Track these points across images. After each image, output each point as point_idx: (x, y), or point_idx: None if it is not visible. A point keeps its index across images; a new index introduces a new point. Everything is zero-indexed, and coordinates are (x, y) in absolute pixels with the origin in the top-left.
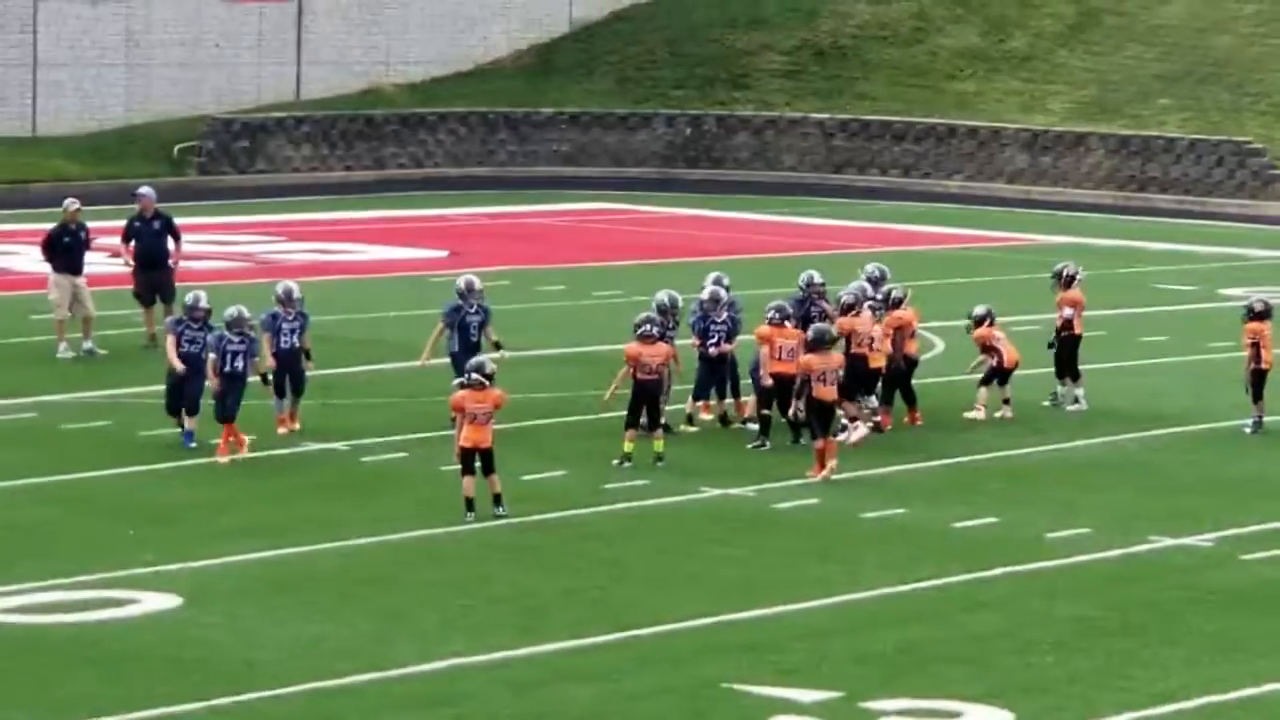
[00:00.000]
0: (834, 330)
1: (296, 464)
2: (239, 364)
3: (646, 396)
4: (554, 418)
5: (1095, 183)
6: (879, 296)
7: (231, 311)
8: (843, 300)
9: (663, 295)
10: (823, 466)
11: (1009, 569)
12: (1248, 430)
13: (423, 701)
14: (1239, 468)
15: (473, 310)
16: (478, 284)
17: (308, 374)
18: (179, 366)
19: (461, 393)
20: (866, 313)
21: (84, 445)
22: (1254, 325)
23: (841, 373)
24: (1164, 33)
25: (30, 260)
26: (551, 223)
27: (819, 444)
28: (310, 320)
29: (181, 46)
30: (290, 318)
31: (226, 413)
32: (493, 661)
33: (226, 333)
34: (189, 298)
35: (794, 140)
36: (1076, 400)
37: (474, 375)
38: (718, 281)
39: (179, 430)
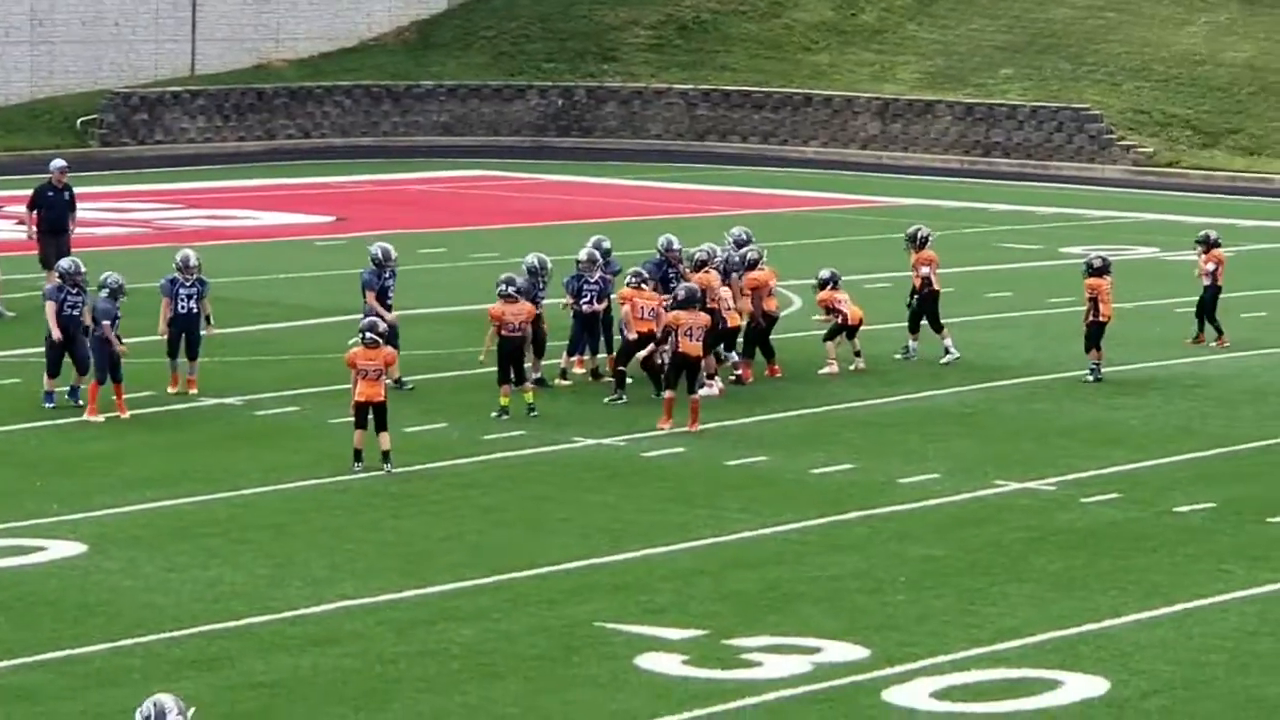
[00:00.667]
0: (698, 291)
1: (193, 418)
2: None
3: (513, 352)
4: (435, 373)
5: (943, 148)
6: (737, 258)
7: (180, 256)
8: (695, 258)
9: (532, 258)
10: (669, 418)
11: (864, 513)
12: (1089, 379)
13: (313, 641)
14: (1079, 416)
15: (389, 276)
16: (394, 252)
17: (206, 336)
18: (57, 335)
19: (355, 350)
20: (714, 273)
21: None
22: (1093, 280)
23: (704, 331)
24: (1006, 6)
25: None
26: (432, 189)
27: (669, 395)
28: (209, 286)
29: (83, 25)
30: (188, 284)
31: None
32: (379, 603)
33: (178, 276)
34: (66, 263)
35: (659, 110)
36: (948, 351)
37: (367, 335)
38: (597, 245)
39: (61, 391)
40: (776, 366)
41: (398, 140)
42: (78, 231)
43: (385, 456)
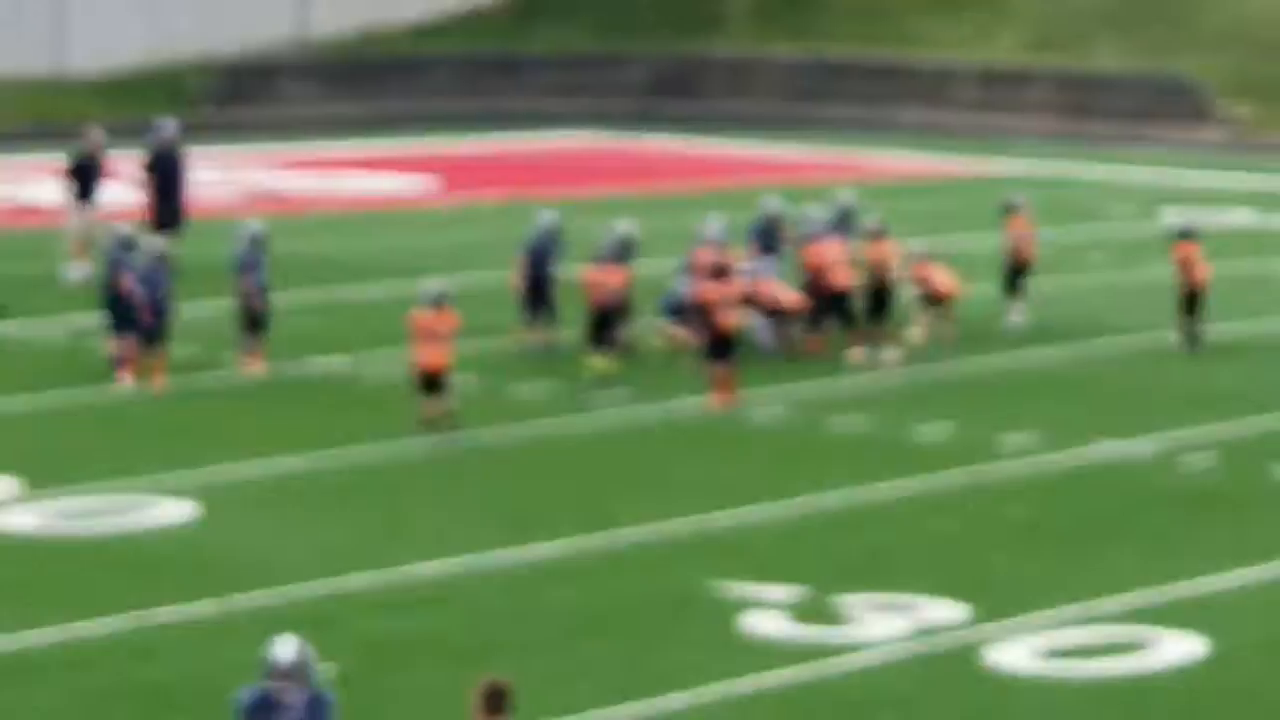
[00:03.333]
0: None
1: (303, 381)
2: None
3: (606, 317)
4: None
5: (1041, 113)
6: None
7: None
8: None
9: (623, 227)
10: (729, 391)
11: (963, 474)
12: (1182, 344)
13: (422, 600)
14: (1178, 379)
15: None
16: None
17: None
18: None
19: (422, 314)
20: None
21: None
22: (1183, 246)
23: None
24: None
25: (54, 191)
26: (539, 154)
27: (719, 368)
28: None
29: None
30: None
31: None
32: (486, 563)
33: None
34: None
35: (763, 76)
36: (1017, 316)
37: (437, 298)
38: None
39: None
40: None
41: (504, 105)
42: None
43: (450, 417)
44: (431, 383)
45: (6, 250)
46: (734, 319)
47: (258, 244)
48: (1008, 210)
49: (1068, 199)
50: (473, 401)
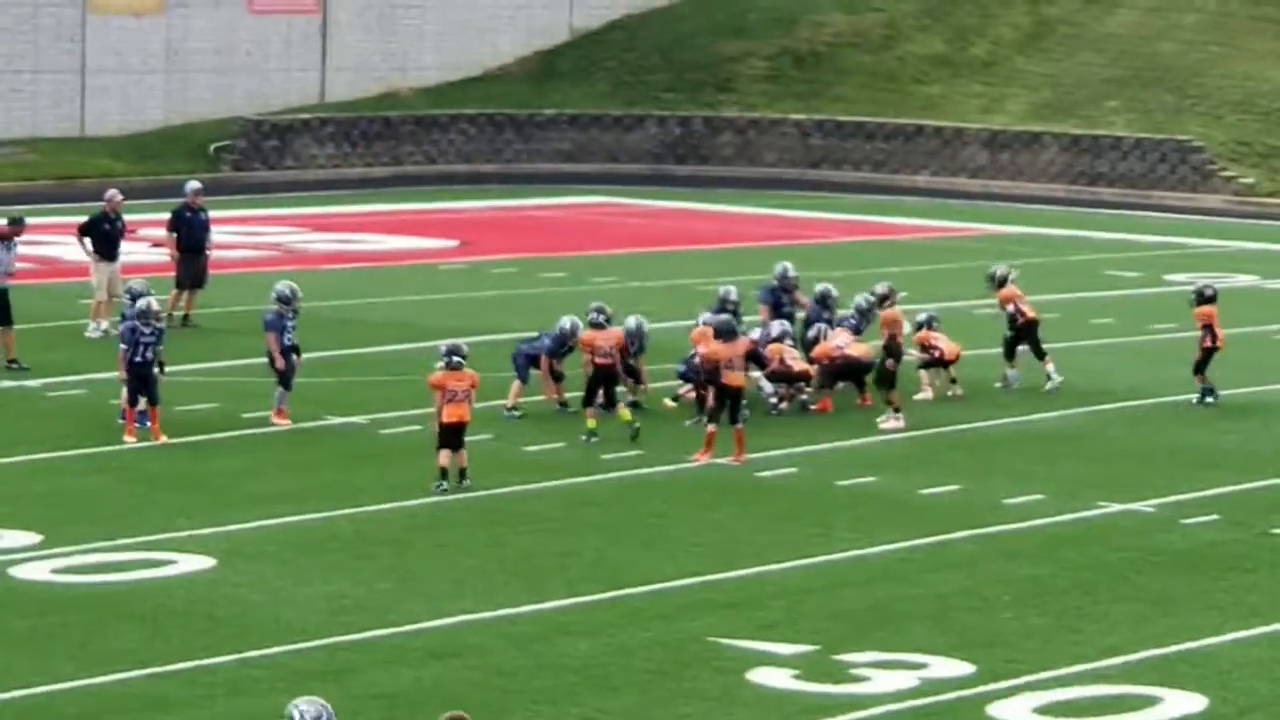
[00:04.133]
0: (735, 321)
1: (319, 436)
2: (148, 354)
3: (604, 378)
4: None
5: (1049, 178)
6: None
7: (142, 304)
8: (879, 293)
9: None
10: (709, 450)
11: (970, 533)
12: (1204, 402)
13: (434, 654)
14: (1181, 439)
15: (290, 316)
16: (299, 291)
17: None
18: (121, 374)
19: (441, 373)
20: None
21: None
22: (1206, 309)
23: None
24: (1113, 40)
25: (77, 250)
26: (554, 215)
27: (711, 428)
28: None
29: (216, 54)
30: (148, 332)
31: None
32: (498, 618)
33: (137, 323)
34: (144, 303)
35: (774, 139)
36: (1050, 378)
37: (453, 358)
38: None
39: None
40: (867, 396)
41: (520, 167)
42: (212, 255)
43: (462, 474)
44: (452, 437)
45: (30, 307)
46: (739, 379)
47: (286, 302)
48: (993, 281)
49: (1075, 262)
50: (487, 458)
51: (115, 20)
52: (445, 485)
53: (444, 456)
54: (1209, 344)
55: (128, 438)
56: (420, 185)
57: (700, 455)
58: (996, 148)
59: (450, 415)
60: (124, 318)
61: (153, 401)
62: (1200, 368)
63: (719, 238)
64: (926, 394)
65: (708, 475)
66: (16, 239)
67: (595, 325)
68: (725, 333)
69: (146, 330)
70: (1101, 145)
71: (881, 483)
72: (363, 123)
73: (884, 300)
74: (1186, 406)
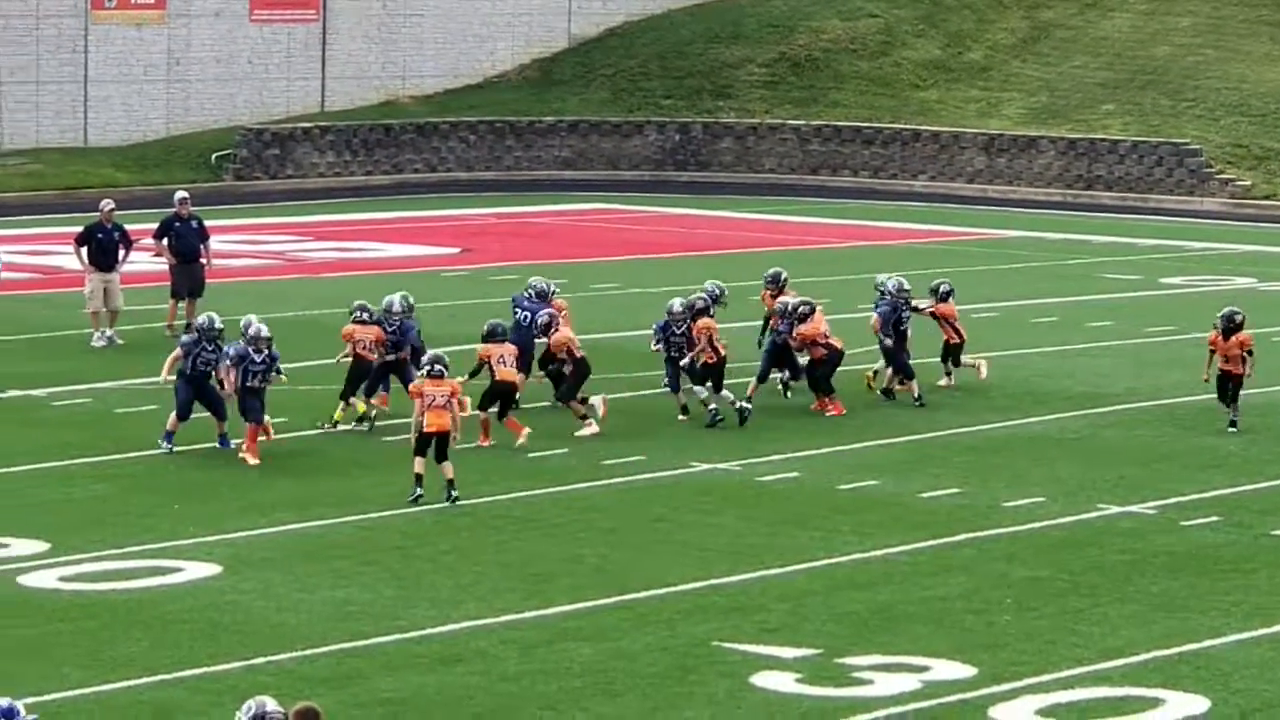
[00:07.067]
0: (503, 326)
1: (322, 444)
2: (258, 380)
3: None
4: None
5: (1046, 181)
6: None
7: (253, 330)
8: (695, 306)
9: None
10: (486, 436)
11: (971, 535)
12: (1232, 430)
13: (439, 659)
14: (1179, 441)
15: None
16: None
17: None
18: (166, 377)
19: (421, 381)
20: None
21: (134, 428)
22: (1243, 336)
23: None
24: (1108, 44)
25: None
26: (554, 222)
27: (484, 416)
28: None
29: (217, 64)
30: (259, 360)
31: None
32: (502, 623)
33: (249, 349)
34: (203, 319)
35: (773, 145)
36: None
37: (435, 367)
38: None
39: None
40: (838, 402)
41: (520, 174)
42: (213, 263)
43: (451, 485)
44: (434, 447)
45: (34, 317)
46: (510, 374)
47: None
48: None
49: (1072, 265)
50: (490, 464)
51: (117, 30)
52: (421, 493)
53: (419, 464)
54: (1242, 371)
55: (251, 459)
56: (421, 193)
57: (482, 440)
58: (994, 152)
59: (432, 424)
60: (201, 340)
61: (257, 421)
62: (1236, 395)
63: (719, 243)
64: (984, 366)
65: (710, 480)
66: None
67: (359, 321)
68: (490, 335)
69: (258, 358)
70: (1098, 149)
71: (883, 486)
72: (363, 131)
73: (945, 298)
74: (1183, 409)
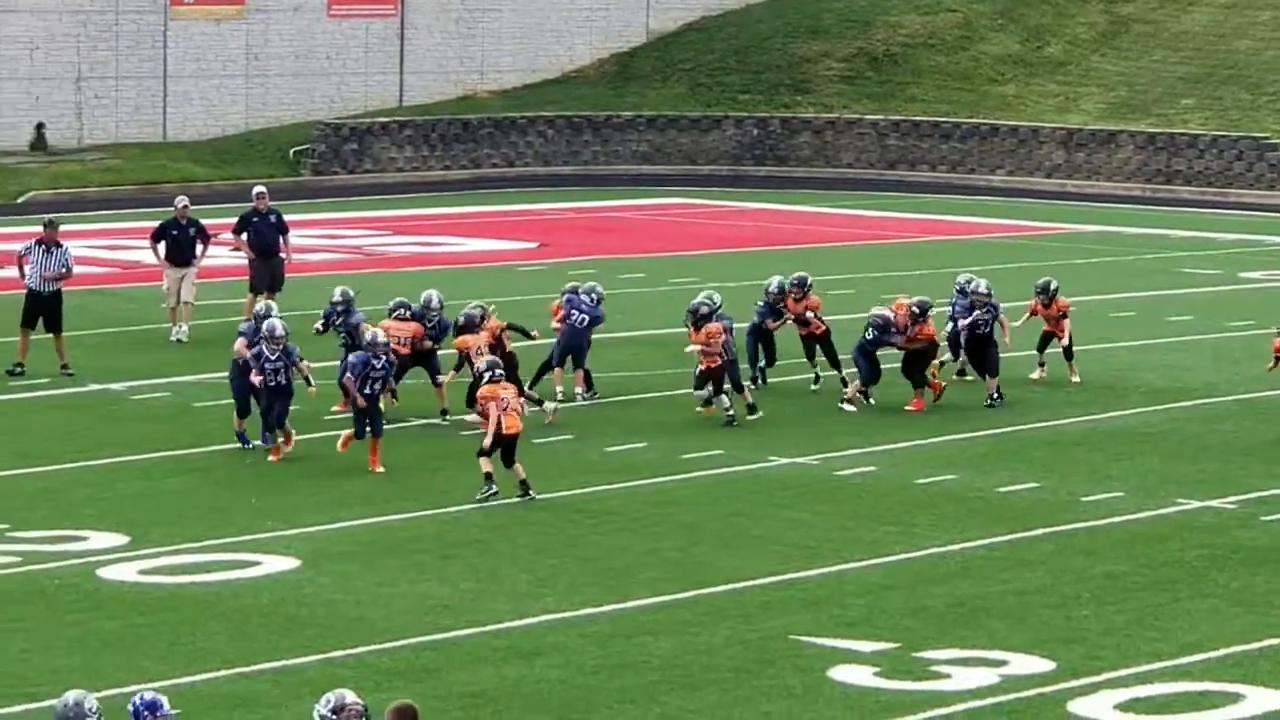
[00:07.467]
0: (481, 314)
1: (400, 437)
2: (281, 377)
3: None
4: (635, 395)
5: (1125, 176)
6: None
7: (369, 336)
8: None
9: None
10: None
11: (1048, 530)
12: None
13: (517, 653)
14: (1259, 436)
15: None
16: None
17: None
18: (257, 379)
19: (489, 387)
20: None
21: (212, 422)
22: None
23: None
24: (1188, 38)
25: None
26: (632, 216)
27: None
28: (296, 352)
29: (295, 59)
30: (273, 356)
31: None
32: (580, 617)
33: (264, 348)
34: (270, 325)
35: (851, 139)
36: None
37: (496, 371)
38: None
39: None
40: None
41: (598, 169)
42: (292, 258)
43: (525, 486)
44: (508, 449)
45: (113, 312)
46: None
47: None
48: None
49: (1151, 260)
50: (567, 458)
51: (196, 26)
52: (496, 489)
53: (487, 463)
54: None
55: (272, 456)
56: (499, 187)
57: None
58: (1072, 147)
59: (511, 426)
60: (265, 341)
61: (376, 433)
62: None
63: (797, 238)
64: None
65: (788, 474)
66: (60, 243)
67: (400, 318)
68: (471, 325)
69: (378, 364)
70: (1178, 143)
71: (960, 480)
72: (441, 125)
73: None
74: (1264, 403)
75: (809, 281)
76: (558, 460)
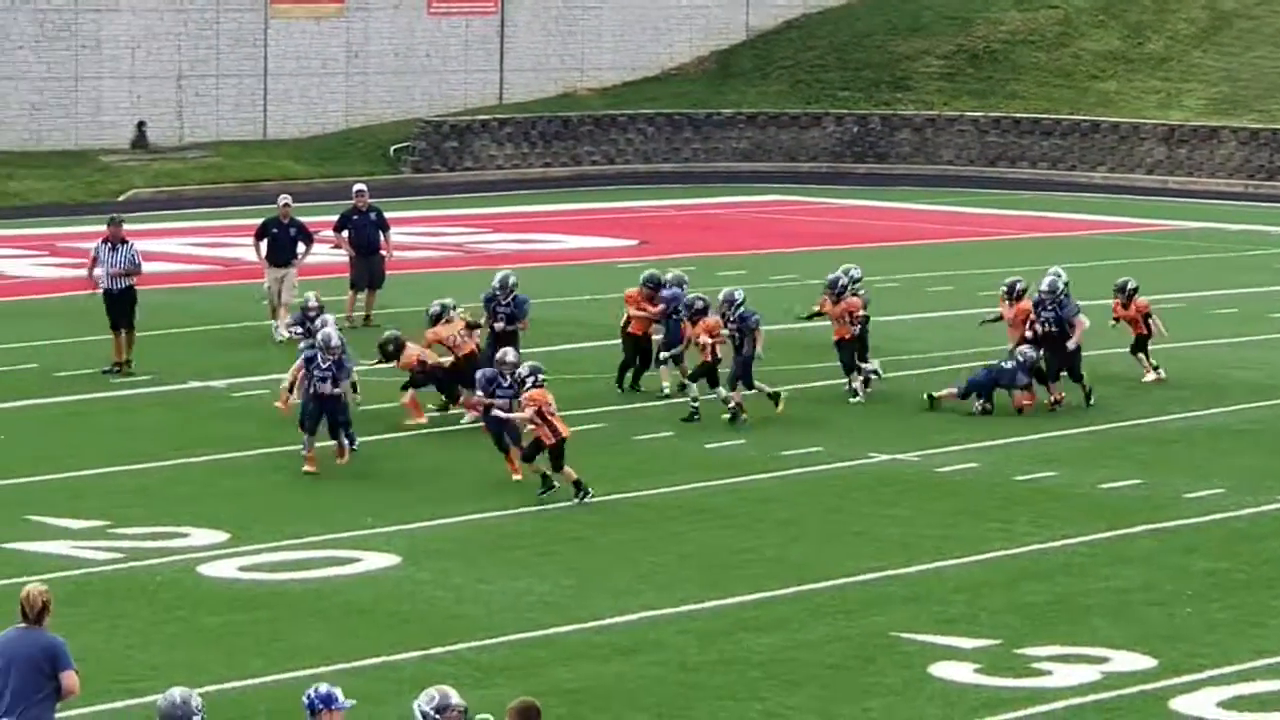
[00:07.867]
0: (448, 306)
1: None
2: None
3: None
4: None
5: (1227, 172)
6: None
7: (327, 336)
8: (696, 306)
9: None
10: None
11: (1150, 527)
12: None
13: (617, 649)
14: None
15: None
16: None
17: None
18: (282, 404)
19: (540, 390)
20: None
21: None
22: None
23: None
24: None
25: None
26: (732, 213)
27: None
28: (349, 367)
29: (395, 57)
30: (324, 365)
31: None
32: (680, 613)
33: (318, 356)
34: (325, 335)
35: (951, 137)
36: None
37: (539, 376)
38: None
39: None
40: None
41: (698, 166)
42: (393, 254)
43: (579, 486)
44: (558, 454)
45: (214, 309)
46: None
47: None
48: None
49: (1253, 256)
50: (667, 455)
51: (296, 24)
52: (556, 484)
53: (535, 465)
54: None
55: (308, 468)
56: (599, 185)
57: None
58: (1174, 143)
59: (565, 429)
60: (318, 348)
61: (514, 441)
62: None
63: (897, 235)
64: (1151, 376)
65: (888, 470)
66: (126, 240)
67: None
68: (441, 317)
69: (505, 382)
70: (1279, 139)
71: (1061, 477)
72: (541, 123)
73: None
74: None
75: (841, 282)
76: (658, 457)
